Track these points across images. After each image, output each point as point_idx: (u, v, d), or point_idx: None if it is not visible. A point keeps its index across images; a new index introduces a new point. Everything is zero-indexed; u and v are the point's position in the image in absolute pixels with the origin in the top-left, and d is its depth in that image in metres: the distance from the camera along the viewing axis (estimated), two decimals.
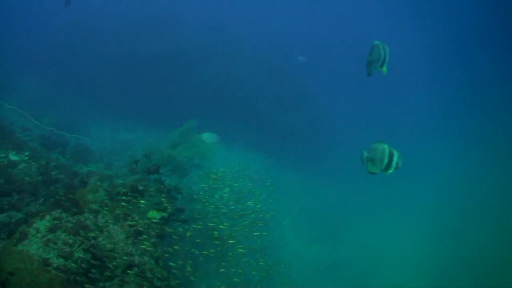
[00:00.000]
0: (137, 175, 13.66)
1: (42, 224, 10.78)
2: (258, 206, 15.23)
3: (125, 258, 11.21)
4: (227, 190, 15.72)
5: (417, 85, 56.68)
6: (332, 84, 52.03)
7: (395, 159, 7.84)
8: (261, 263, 15.30)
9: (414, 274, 21.80)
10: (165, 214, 12.69)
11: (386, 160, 7.83)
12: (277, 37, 46.74)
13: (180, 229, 13.75)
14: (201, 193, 15.56)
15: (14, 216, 12.54)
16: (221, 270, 13.47)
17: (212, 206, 14.50)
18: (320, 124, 42.26)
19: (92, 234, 10.92)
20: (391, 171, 7.94)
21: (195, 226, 13.61)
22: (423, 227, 26.65)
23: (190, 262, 12.65)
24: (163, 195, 13.63)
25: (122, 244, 11.34)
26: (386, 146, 7.98)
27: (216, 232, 13.59)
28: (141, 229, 11.98)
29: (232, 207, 15.17)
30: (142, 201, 12.59)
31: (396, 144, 8.19)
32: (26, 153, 15.92)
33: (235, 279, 13.90)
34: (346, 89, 53.02)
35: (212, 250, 13.27)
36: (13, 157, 15.42)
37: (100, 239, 11.06)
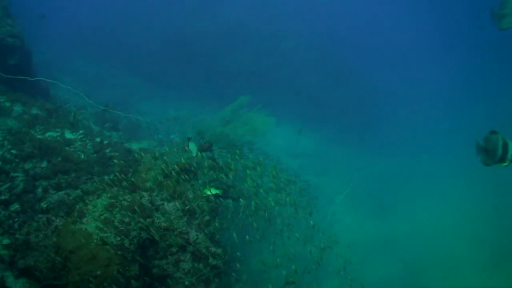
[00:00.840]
0: (189, 152, 13.48)
1: (99, 202, 10.82)
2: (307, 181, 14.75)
3: (180, 236, 11.12)
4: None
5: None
6: (382, 56, 50.15)
7: (510, 151, 7.08)
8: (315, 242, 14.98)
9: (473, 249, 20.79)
10: (219, 192, 12.47)
11: (500, 152, 7.10)
12: (323, 10, 45.36)
13: (232, 206, 13.58)
14: (252, 169, 15.24)
15: (72, 193, 12.67)
16: (272, 248, 13.29)
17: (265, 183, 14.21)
18: (370, 97, 41.07)
19: (147, 213, 10.86)
20: (506, 164, 7.20)
21: (248, 202, 13.36)
22: (482, 203, 25.33)
23: (243, 238, 12.47)
24: (215, 172, 13.43)
25: (176, 222, 11.23)
26: (499, 137, 7.22)
27: (266, 209, 13.30)
28: (195, 207, 11.82)
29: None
30: (195, 179, 12.43)
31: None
32: (81, 132, 16.08)
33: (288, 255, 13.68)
34: (397, 62, 51.00)
35: (263, 226, 13.06)
36: (68, 135, 15.62)
37: (155, 217, 10.98)
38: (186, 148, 13.46)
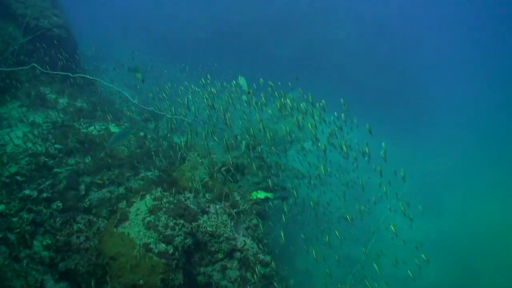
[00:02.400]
0: (237, 151, 12.69)
1: (142, 204, 10.20)
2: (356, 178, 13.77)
3: (227, 242, 10.38)
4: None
5: None
6: (433, 47, 48.03)
7: None
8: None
9: None
10: (269, 195, 11.63)
11: None
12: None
13: (281, 207, 12.78)
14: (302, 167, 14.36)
15: (115, 191, 12.17)
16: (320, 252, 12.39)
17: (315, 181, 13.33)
18: (417, 89, 39.38)
19: (192, 216, 10.15)
20: None
21: (297, 203, 12.52)
22: None
23: (292, 241, 11.69)
24: (264, 172, 12.60)
25: (223, 226, 10.48)
26: None
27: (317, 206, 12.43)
28: (242, 209, 11.05)
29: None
30: (243, 179, 11.64)
31: None
32: (125, 125, 15.64)
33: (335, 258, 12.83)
34: (448, 55, 48.76)
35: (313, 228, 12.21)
36: (113, 129, 15.19)
37: (201, 221, 10.26)
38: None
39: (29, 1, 16.15)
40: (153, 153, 14.31)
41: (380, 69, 37.53)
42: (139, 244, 8.99)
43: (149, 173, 13.72)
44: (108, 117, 15.58)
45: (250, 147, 12.89)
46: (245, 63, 33.01)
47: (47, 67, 16.09)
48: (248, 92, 10.88)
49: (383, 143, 9.73)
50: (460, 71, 48.69)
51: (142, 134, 15.63)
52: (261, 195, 11.35)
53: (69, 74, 13.59)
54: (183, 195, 10.78)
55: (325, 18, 37.51)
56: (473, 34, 54.04)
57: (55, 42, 16.30)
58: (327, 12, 37.86)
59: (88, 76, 14.36)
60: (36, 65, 13.05)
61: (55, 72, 14.35)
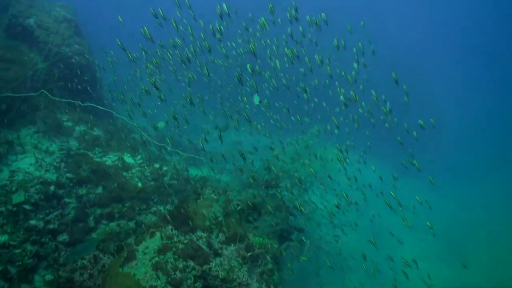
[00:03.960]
0: (254, 189, 12.07)
1: (151, 242, 9.58)
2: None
3: None
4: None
5: None
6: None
7: None
8: None
9: None
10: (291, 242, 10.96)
11: None
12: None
13: (298, 249, 12.05)
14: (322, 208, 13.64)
15: (124, 226, 11.63)
16: None
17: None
18: (437, 121, 38.45)
19: (204, 258, 9.49)
20: None
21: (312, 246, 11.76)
22: None
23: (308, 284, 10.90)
24: (282, 212, 11.93)
25: (236, 271, 9.77)
26: None
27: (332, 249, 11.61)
28: (257, 252, 10.34)
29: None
30: (259, 220, 10.99)
31: None
32: (140, 156, 15.24)
33: None
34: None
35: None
36: (127, 159, 14.80)
37: (213, 264, 9.57)
38: (250, 183, 12.05)
39: (52, 28, 16.20)
40: (167, 186, 13.81)
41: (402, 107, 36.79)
42: (145, 287, 8.33)
43: (161, 207, 13.19)
44: (124, 147, 15.21)
45: (268, 185, 12.28)
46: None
47: (66, 93, 15.98)
48: (260, 102, 10.61)
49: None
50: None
51: (157, 166, 15.17)
52: (273, 243, 10.66)
53: (78, 102, 13.28)
54: (195, 234, 10.14)
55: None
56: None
57: (75, 69, 16.22)
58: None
59: (99, 107, 14.08)
60: (45, 92, 12.81)
61: (63, 100, 14.10)
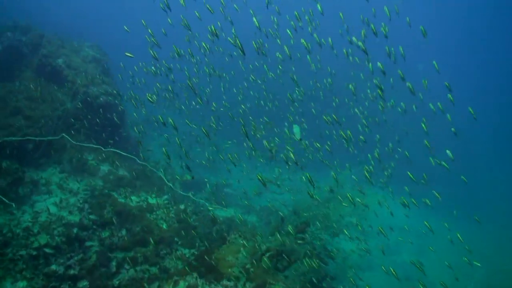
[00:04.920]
0: (283, 234, 11.44)
1: None
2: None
3: None
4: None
5: None
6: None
7: None
8: None
9: None
10: None
11: None
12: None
13: None
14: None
15: (147, 271, 11.12)
16: None
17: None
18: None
19: None
20: None
21: None
22: None
23: None
24: (312, 260, 11.23)
25: None
26: None
27: None
28: None
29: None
30: (289, 268, 10.33)
31: None
32: (165, 197, 14.86)
33: None
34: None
35: None
36: (152, 200, 14.44)
37: None
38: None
39: (80, 68, 16.39)
40: (192, 230, 13.32)
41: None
42: None
43: (186, 251, 12.67)
44: (149, 187, 14.89)
45: (298, 230, 11.65)
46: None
47: (93, 132, 15.94)
48: (300, 139, 10.16)
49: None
50: None
51: (182, 207, 14.74)
52: None
53: (100, 148, 13.14)
54: (221, 283, 9.55)
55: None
56: None
57: (102, 108, 16.21)
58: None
59: (122, 153, 13.91)
60: (65, 136, 12.67)
61: (85, 145, 13.97)
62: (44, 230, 10.87)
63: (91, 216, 12.04)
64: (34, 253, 10.09)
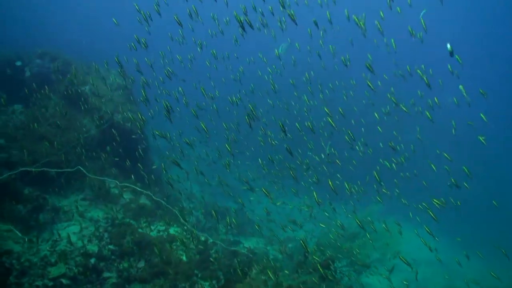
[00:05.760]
0: (306, 271, 10.92)
1: None
2: None
3: None
4: None
5: None
6: None
7: None
8: None
9: None
10: None
11: None
12: None
13: None
14: None
15: None
16: None
17: None
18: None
19: None
20: None
21: None
22: None
23: None
24: None
25: None
26: None
27: None
28: None
29: None
30: None
31: None
32: (186, 227, 14.51)
33: None
34: None
35: None
36: (173, 230, 14.14)
37: None
38: (301, 264, 10.92)
39: (106, 95, 16.49)
40: (212, 260, 12.91)
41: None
42: None
43: (206, 283, 12.25)
44: (170, 217, 14.62)
45: (322, 266, 11.09)
46: None
47: (116, 159, 15.90)
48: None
49: None
50: None
51: (203, 238, 14.38)
52: None
53: (112, 186, 13.09)
54: None
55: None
56: None
57: (126, 135, 16.21)
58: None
59: (137, 188, 13.82)
60: (81, 168, 12.60)
61: (99, 178, 13.89)
62: (62, 259, 10.65)
63: (110, 246, 11.81)
64: (51, 284, 9.86)
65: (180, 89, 15.03)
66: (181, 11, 13.57)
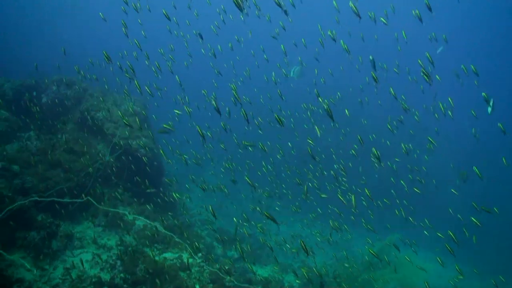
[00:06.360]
0: None
1: None
2: None
3: None
4: None
5: None
6: None
7: None
8: None
9: None
10: None
11: None
12: None
13: None
14: None
15: None
16: None
17: None
18: None
19: None
20: None
21: None
22: None
23: None
24: None
25: None
26: None
27: None
28: None
29: None
30: None
31: None
32: (200, 255, 14.24)
33: None
34: None
35: None
36: (186, 258, 13.87)
37: None
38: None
39: (120, 122, 16.52)
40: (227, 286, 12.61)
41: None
42: None
43: None
44: (184, 244, 14.37)
45: None
46: None
47: (130, 185, 15.84)
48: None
49: None
50: None
51: (217, 266, 14.06)
52: None
53: (125, 213, 13.00)
54: None
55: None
56: None
57: (141, 161, 16.18)
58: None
59: (147, 221, 13.71)
60: (90, 199, 12.52)
61: (108, 209, 13.79)
62: None
63: (122, 275, 11.59)
64: None
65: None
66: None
